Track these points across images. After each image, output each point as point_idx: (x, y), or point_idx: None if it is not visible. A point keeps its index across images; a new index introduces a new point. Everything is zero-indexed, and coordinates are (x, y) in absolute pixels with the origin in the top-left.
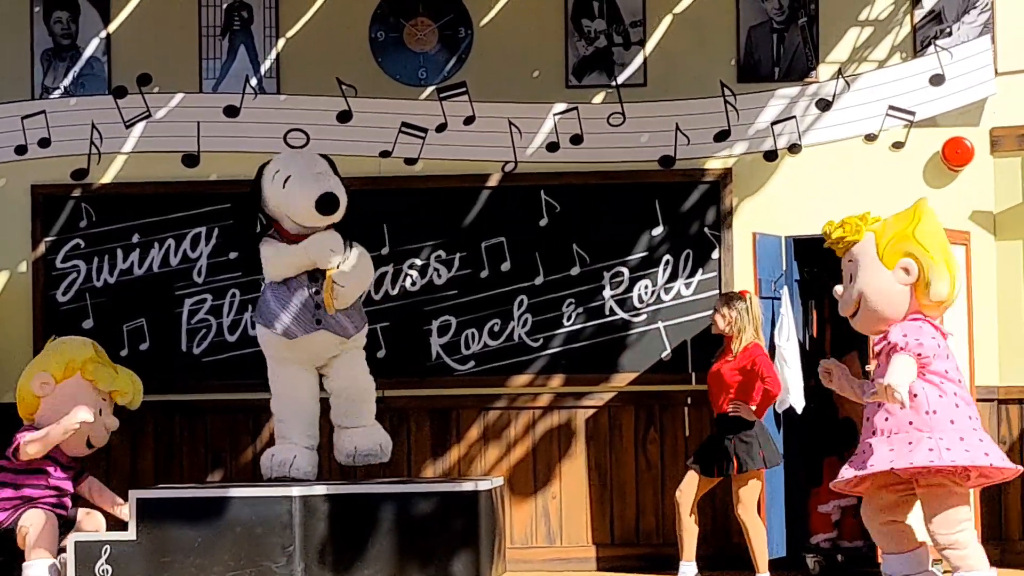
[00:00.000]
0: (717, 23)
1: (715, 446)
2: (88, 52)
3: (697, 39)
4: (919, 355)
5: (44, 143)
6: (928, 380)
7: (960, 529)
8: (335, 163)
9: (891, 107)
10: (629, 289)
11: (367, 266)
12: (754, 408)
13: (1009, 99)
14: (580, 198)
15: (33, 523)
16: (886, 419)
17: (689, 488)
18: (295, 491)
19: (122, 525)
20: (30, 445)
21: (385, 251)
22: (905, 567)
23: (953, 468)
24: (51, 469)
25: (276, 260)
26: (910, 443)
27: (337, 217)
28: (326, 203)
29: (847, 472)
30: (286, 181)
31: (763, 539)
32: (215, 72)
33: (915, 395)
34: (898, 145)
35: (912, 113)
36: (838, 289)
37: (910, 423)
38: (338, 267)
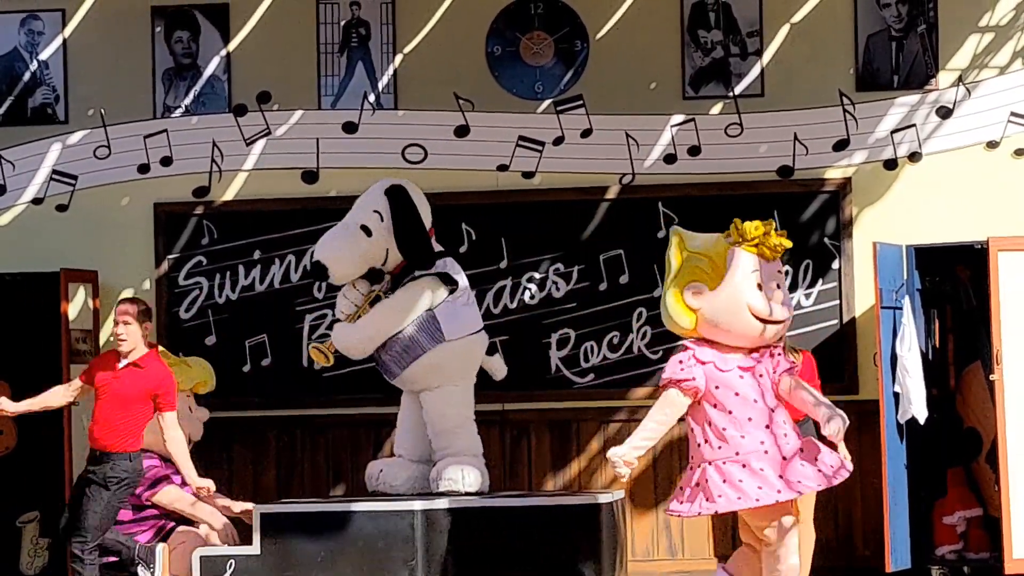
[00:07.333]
0: (834, 32)
1: None
2: (208, 71)
3: (814, 48)
4: None
5: (166, 162)
6: None
7: None
8: (403, 197)
9: (1013, 113)
10: None
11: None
12: None
13: None
14: (698, 209)
15: (185, 540)
16: None
17: None
18: (417, 505)
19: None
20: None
21: (503, 265)
22: None
23: None
24: (176, 481)
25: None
26: None
27: (330, 278)
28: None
29: None
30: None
31: None
32: (333, 89)
33: None
34: (1020, 152)
35: None
36: (778, 296)
37: None
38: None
